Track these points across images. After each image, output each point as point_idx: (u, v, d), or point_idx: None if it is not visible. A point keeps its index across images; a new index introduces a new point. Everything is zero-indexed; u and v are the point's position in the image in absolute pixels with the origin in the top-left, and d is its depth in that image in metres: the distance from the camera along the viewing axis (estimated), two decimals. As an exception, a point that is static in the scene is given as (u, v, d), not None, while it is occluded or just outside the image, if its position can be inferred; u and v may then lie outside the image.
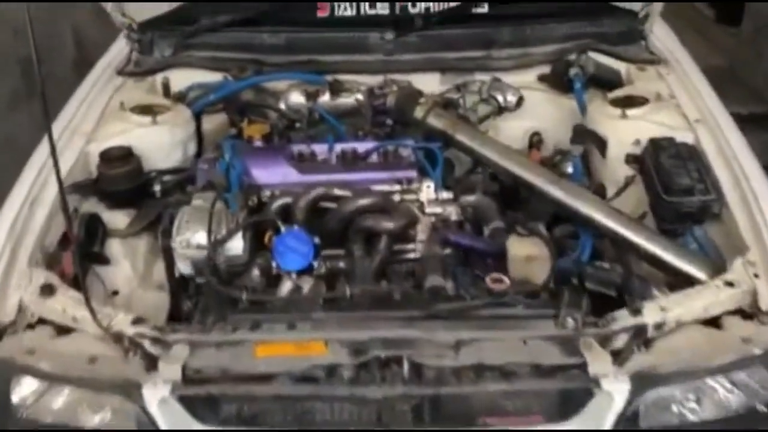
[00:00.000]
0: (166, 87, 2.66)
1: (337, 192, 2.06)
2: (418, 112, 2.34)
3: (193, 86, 2.63)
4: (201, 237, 1.92)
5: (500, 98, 2.46)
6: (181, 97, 2.59)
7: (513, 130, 2.62)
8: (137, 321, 1.74)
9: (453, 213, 2.19)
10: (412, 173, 2.21)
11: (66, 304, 1.79)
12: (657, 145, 2.17)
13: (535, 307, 1.73)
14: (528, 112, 2.59)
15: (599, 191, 2.39)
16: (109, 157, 2.18)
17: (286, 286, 1.91)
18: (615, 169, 2.33)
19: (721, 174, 2.10)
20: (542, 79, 2.66)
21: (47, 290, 1.82)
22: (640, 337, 1.66)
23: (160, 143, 2.32)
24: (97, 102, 2.46)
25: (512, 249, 1.94)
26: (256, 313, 1.76)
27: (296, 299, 1.84)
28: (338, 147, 2.36)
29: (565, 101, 2.64)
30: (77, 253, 1.85)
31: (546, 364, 1.61)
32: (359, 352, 1.65)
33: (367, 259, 2.02)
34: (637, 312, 1.68)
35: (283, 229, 1.93)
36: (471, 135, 2.29)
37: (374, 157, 2.31)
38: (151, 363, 1.66)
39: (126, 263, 2.21)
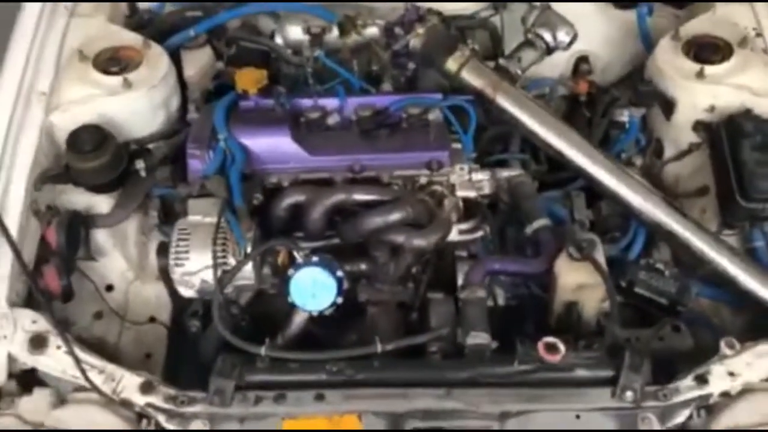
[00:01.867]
0: (133, 9, 2.14)
1: (359, 197, 1.75)
2: (451, 64, 1.90)
3: (165, 3, 2.13)
4: (205, 274, 1.64)
5: (548, 37, 2.00)
6: (151, 22, 2.10)
7: (554, 53, 2.19)
8: (147, 388, 1.55)
9: (486, 187, 1.92)
10: (444, 155, 1.87)
11: (63, 362, 1.59)
12: (737, 127, 1.81)
13: (591, 366, 1.56)
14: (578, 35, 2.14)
15: (657, 149, 2.09)
16: (79, 147, 1.78)
17: (299, 318, 1.70)
18: (679, 132, 2.00)
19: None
20: (596, -9, 2.16)
21: (38, 342, 1.60)
22: (703, 406, 1.53)
23: (137, 110, 1.90)
24: (48, 45, 1.98)
25: (561, 275, 1.69)
26: (277, 373, 1.58)
27: (322, 360, 1.59)
28: (351, 103, 1.98)
29: (621, 17, 2.18)
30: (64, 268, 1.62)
31: (599, 442, 1.50)
32: (396, 425, 1.51)
33: (391, 264, 1.80)
34: (703, 381, 1.52)
35: (299, 257, 1.66)
36: (515, 100, 1.88)
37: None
38: (167, 444, 1.53)
39: (117, 254, 1.94)
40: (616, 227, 1.99)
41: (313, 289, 1.62)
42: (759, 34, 1.97)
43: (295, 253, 1.65)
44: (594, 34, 2.18)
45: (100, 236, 1.92)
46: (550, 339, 1.52)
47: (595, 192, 1.99)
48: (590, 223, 2.01)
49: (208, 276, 1.63)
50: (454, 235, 1.88)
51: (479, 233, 1.93)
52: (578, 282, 1.68)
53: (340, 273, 1.65)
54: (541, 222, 1.81)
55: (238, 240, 1.64)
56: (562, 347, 1.52)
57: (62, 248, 1.76)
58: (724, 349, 1.59)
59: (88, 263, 1.91)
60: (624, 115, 2.08)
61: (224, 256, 1.65)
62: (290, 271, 1.64)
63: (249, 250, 1.66)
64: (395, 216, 1.69)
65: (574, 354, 1.52)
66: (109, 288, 1.95)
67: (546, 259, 1.74)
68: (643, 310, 1.84)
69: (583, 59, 2.20)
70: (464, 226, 1.93)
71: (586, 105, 2.18)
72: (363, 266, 1.81)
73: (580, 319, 1.75)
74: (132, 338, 1.91)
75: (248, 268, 1.66)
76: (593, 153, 1.88)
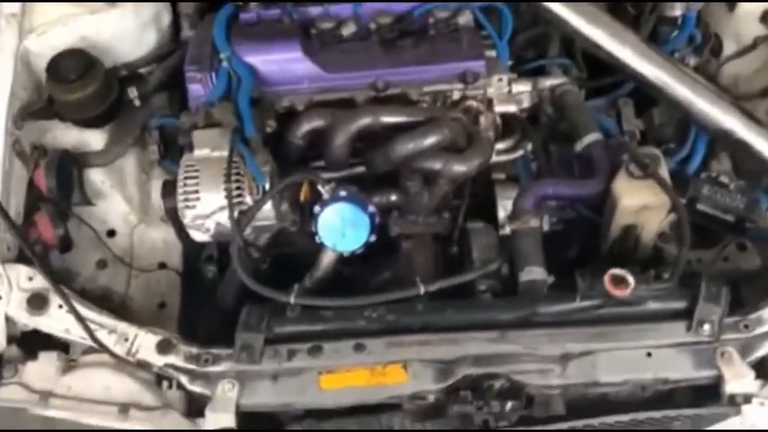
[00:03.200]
0: None
1: (388, 119, 1.53)
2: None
3: None
4: (220, 216, 1.43)
5: None
6: None
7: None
8: (165, 347, 1.39)
9: (526, 99, 1.70)
10: (479, 65, 1.62)
11: (67, 322, 1.41)
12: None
13: (663, 298, 1.39)
14: None
15: (715, 46, 1.85)
16: (62, 76, 1.54)
17: (327, 259, 1.52)
18: (742, 24, 1.76)
19: None
20: None
21: (37, 301, 1.42)
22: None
23: (124, 30, 1.65)
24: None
25: (622, 196, 1.49)
26: (310, 323, 1.42)
27: (359, 306, 1.43)
28: (368, 9, 1.72)
29: None
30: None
31: (673, 381, 1.35)
32: (446, 374, 1.36)
33: (424, 194, 1.60)
34: (792, 309, 1.36)
35: (325, 191, 1.45)
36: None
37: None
38: (193, 404, 1.37)
39: (116, 195, 1.73)
40: (671, 137, 1.79)
41: (343, 228, 1.42)
42: None
43: (320, 188, 1.45)
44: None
45: (96, 176, 1.71)
46: (617, 271, 1.34)
47: (643, 99, 1.78)
48: (641, 134, 1.81)
49: (224, 218, 1.43)
50: (492, 156, 1.70)
51: (520, 152, 1.73)
52: (641, 203, 1.48)
53: (372, 208, 1.45)
54: (593, 136, 1.59)
55: (255, 175, 1.43)
56: (631, 279, 1.34)
57: (54, 192, 1.56)
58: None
59: (84, 208, 1.72)
60: (676, 10, 1.83)
61: (240, 195, 1.44)
62: (316, 208, 1.44)
63: (267, 186, 1.46)
64: (431, 139, 1.48)
65: (644, 286, 1.36)
66: (111, 233, 1.75)
67: (602, 179, 1.53)
68: (703, 228, 1.68)
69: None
70: (503, 144, 1.73)
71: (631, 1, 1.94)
72: (393, 197, 1.61)
73: (638, 243, 1.58)
74: (142, 287, 1.73)
75: (268, 206, 1.47)
76: (650, 52, 1.63)
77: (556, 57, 1.84)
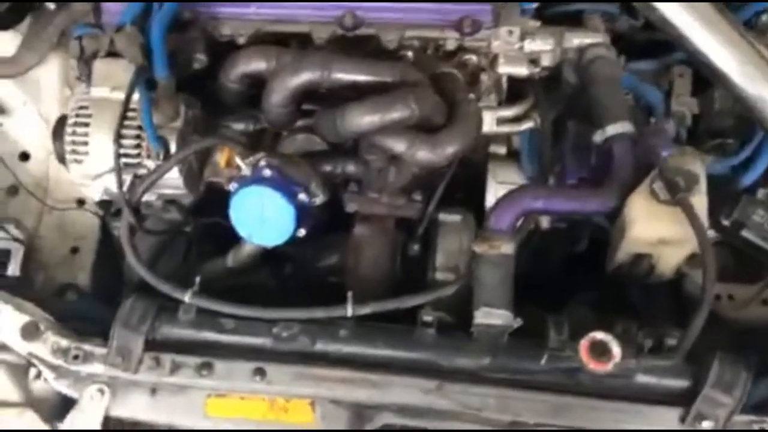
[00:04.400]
0: None
1: (342, 77, 1.14)
2: None
3: None
4: (108, 180, 1.13)
5: None
6: None
7: None
8: (30, 331, 1.13)
9: (546, 58, 1.27)
10: (484, 10, 1.20)
11: None
12: None
13: (657, 372, 1.05)
14: None
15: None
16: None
17: (244, 251, 1.21)
18: None
19: None
20: None
21: None
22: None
23: None
24: None
25: (635, 222, 1.11)
26: (203, 330, 1.13)
27: (268, 319, 1.12)
28: None
29: None
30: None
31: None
32: (362, 419, 1.08)
33: (390, 169, 1.25)
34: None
35: (244, 165, 1.12)
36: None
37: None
38: (58, 407, 1.14)
39: (30, 111, 1.44)
40: (730, 131, 1.37)
41: (263, 216, 1.11)
42: None
43: (239, 161, 1.12)
44: None
45: (4, 89, 1.42)
46: (599, 336, 1.00)
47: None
48: (693, 119, 1.40)
49: (113, 183, 1.14)
50: (490, 125, 1.32)
51: (528, 124, 1.35)
52: (659, 236, 1.11)
53: (303, 195, 1.12)
54: (620, 127, 1.18)
55: (149, 136, 1.10)
56: (616, 350, 1.00)
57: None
58: None
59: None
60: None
61: (137, 154, 1.14)
62: (232, 185, 1.12)
63: (173, 148, 1.14)
64: (393, 115, 1.10)
65: (633, 361, 1.02)
66: (25, 157, 1.48)
67: (615, 193, 1.14)
68: (744, 254, 1.30)
69: None
70: (506, 112, 1.35)
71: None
72: (351, 167, 1.28)
73: (650, 273, 1.22)
74: (55, 224, 1.47)
75: (174, 173, 1.16)
76: (714, 17, 1.19)
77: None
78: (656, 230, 1.10)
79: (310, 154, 1.29)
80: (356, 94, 1.17)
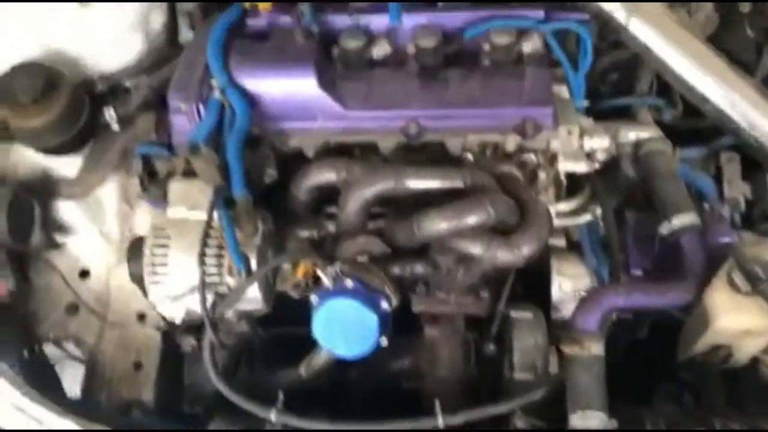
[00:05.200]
0: None
1: (416, 184, 1.18)
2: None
3: None
4: (190, 299, 1.14)
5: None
6: None
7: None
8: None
9: (601, 153, 1.31)
10: (545, 113, 1.24)
11: None
12: None
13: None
14: None
15: None
16: (16, 98, 1.23)
17: (319, 361, 1.21)
18: None
19: None
20: None
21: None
22: None
23: (102, 35, 1.31)
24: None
25: (720, 314, 1.11)
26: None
27: None
28: (408, 23, 1.35)
29: None
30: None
31: None
32: None
33: (459, 270, 1.26)
34: None
35: (326, 277, 1.13)
36: (659, 26, 1.22)
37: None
38: None
39: (91, 230, 1.44)
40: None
41: (345, 327, 1.11)
42: None
43: (320, 273, 1.13)
44: None
45: (67, 210, 1.42)
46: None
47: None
48: (746, 204, 1.43)
49: (195, 302, 1.14)
50: (550, 219, 1.35)
51: (586, 217, 1.37)
52: (745, 327, 1.12)
53: (385, 304, 1.13)
54: (687, 218, 1.21)
55: (233, 256, 1.11)
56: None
57: (4, 236, 1.28)
58: None
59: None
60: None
61: (218, 273, 1.15)
62: (314, 298, 1.13)
63: (254, 264, 1.16)
64: (470, 220, 1.13)
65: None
66: (84, 274, 1.47)
67: (694, 285, 1.15)
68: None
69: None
70: (565, 206, 1.37)
71: (749, 20, 1.51)
72: (419, 269, 1.29)
73: (726, 361, 1.22)
74: (116, 340, 1.45)
75: (253, 289, 1.17)
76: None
77: (646, 94, 1.46)
78: (741, 322, 1.10)
79: (377, 258, 1.31)
80: (423, 204, 1.20)
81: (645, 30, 1.24)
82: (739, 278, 1.12)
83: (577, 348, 1.06)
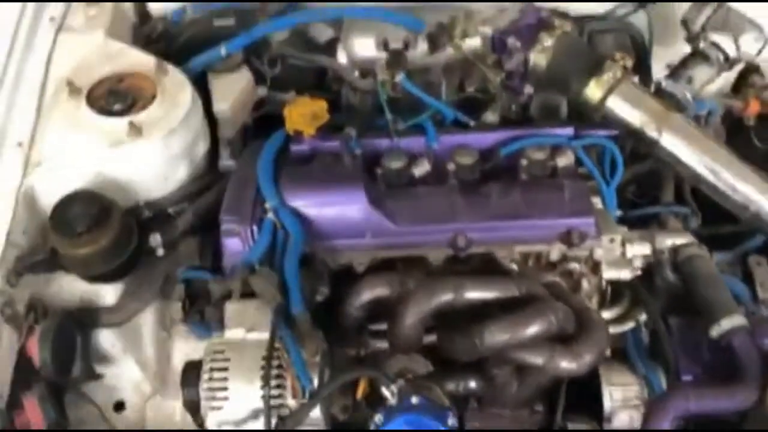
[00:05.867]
0: (140, 8, 1.61)
1: (475, 295, 1.20)
2: (593, 90, 1.31)
3: (186, 7, 1.58)
4: (254, 423, 1.11)
5: (729, 46, 1.40)
6: (168, 35, 1.57)
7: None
8: None
9: (638, 260, 1.35)
10: (588, 223, 1.29)
11: None
12: None
13: None
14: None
15: None
16: (69, 227, 1.25)
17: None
18: None
19: None
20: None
21: None
22: None
23: (150, 165, 1.36)
24: (26, 74, 1.42)
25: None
26: None
27: None
28: (445, 144, 1.42)
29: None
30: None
31: None
32: None
33: (513, 383, 1.25)
34: None
35: (389, 394, 1.11)
36: (689, 139, 1.31)
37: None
38: None
39: (128, 360, 1.41)
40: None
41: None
42: None
43: (384, 390, 1.11)
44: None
45: (106, 338, 1.38)
46: None
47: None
48: (780, 305, 1.46)
49: (258, 426, 1.11)
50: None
51: (630, 324, 1.38)
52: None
53: (452, 420, 1.10)
54: (736, 320, 1.23)
55: (300, 376, 1.09)
56: None
57: (48, 368, 1.24)
58: None
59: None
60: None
61: (280, 395, 1.12)
62: (378, 418, 1.10)
63: (316, 382, 1.13)
64: (533, 329, 1.14)
65: None
66: (119, 407, 1.41)
67: (756, 384, 1.15)
68: None
69: (752, 69, 1.61)
70: (609, 314, 1.39)
71: (756, 132, 1.62)
72: (473, 384, 1.28)
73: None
74: (151, 473, 1.41)
75: (315, 410, 1.14)
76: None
77: (672, 203, 1.53)
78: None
79: (430, 375, 1.29)
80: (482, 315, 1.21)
81: (676, 142, 1.32)
82: (803, 382, 1.14)
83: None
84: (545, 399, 1.31)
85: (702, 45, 1.40)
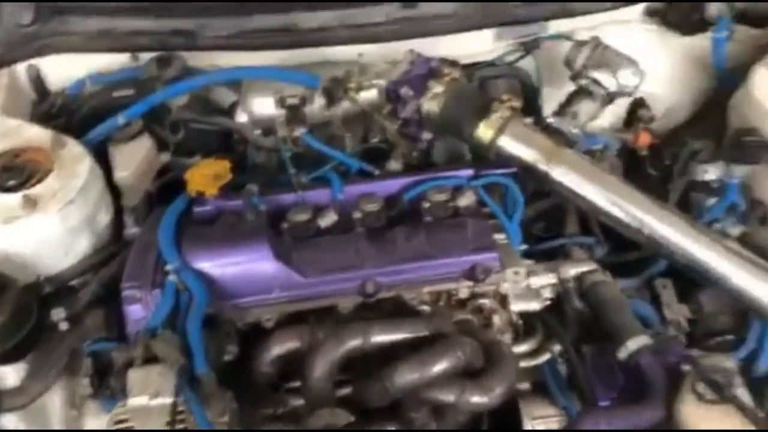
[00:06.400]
0: (38, 85, 1.61)
1: (383, 338, 1.20)
2: (484, 131, 1.37)
3: (85, 81, 1.59)
4: (159, 494, 1.07)
5: (609, 81, 1.49)
6: (66, 106, 1.57)
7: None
8: None
9: (546, 292, 1.39)
10: (492, 257, 1.32)
11: None
12: None
13: None
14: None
15: (762, 215, 1.57)
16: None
17: None
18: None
19: None
20: (653, 14, 1.69)
21: None
22: None
23: (48, 239, 1.32)
24: None
25: (695, 425, 1.14)
26: None
27: None
28: (350, 193, 1.45)
29: (686, 44, 1.70)
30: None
31: None
32: None
33: (431, 424, 1.24)
34: None
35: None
36: (579, 171, 1.36)
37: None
38: None
39: (37, 441, 1.36)
40: (728, 328, 1.47)
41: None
42: None
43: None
44: (654, 69, 1.65)
45: (9, 422, 1.32)
46: None
47: (685, 278, 1.48)
48: (688, 323, 1.50)
49: (163, 496, 1.06)
50: (511, 363, 1.36)
51: (545, 356, 1.40)
52: (719, 439, 1.14)
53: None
54: (640, 341, 1.26)
55: (206, 436, 1.07)
56: None
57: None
58: None
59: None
60: (708, 173, 1.57)
61: (187, 458, 1.08)
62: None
63: (224, 444, 1.10)
64: (441, 366, 1.14)
65: None
66: (25, 493, 1.35)
67: (662, 401, 1.18)
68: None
69: (640, 103, 1.70)
70: (523, 347, 1.40)
71: (650, 161, 1.70)
72: (393, 429, 1.26)
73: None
74: None
75: (223, 474, 1.10)
76: (692, 229, 1.35)
77: (576, 234, 1.58)
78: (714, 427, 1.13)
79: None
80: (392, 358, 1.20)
81: (567, 175, 1.37)
82: (703, 388, 1.16)
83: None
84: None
85: (584, 82, 1.49)
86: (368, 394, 1.18)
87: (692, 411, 1.14)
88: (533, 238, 1.59)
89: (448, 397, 1.15)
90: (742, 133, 1.46)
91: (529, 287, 1.35)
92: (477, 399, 1.15)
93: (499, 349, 1.22)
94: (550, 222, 1.65)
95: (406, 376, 1.14)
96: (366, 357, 1.22)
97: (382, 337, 1.18)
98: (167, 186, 1.58)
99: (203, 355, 1.15)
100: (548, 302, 1.39)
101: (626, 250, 1.55)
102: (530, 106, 1.62)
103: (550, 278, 1.36)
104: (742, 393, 1.16)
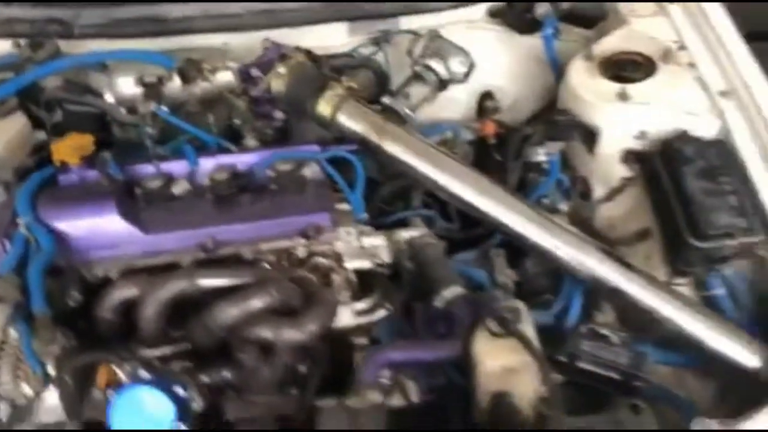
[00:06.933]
0: None
1: (206, 282, 1.33)
2: (323, 107, 1.53)
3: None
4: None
5: (440, 68, 1.66)
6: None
7: (454, 91, 1.85)
8: None
9: (383, 253, 1.52)
10: (323, 217, 1.47)
11: None
12: (675, 153, 1.49)
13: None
14: (476, 65, 1.81)
15: (584, 191, 1.75)
16: None
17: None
18: (606, 166, 1.65)
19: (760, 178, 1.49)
20: (495, 15, 1.87)
21: None
22: None
23: None
24: None
25: (482, 358, 1.29)
26: None
27: None
28: (205, 165, 1.58)
29: (526, 43, 1.89)
30: None
31: None
32: None
33: (263, 368, 1.36)
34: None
35: (123, 374, 1.20)
36: (407, 145, 1.51)
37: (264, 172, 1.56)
38: None
39: None
40: (547, 288, 1.62)
41: (143, 418, 1.16)
42: (682, 47, 1.69)
43: (118, 370, 1.20)
44: (498, 65, 1.87)
45: None
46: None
47: (518, 249, 1.64)
48: (516, 285, 1.65)
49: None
50: (349, 319, 1.48)
51: (381, 313, 1.52)
52: (503, 365, 1.27)
53: (181, 390, 1.19)
54: (454, 290, 1.40)
55: (29, 360, 1.17)
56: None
57: None
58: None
59: None
60: (540, 155, 1.74)
61: (14, 384, 1.18)
62: (109, 393, 1.18)
63: (52, 371, 1.20)
64: (256, 303, 1.27)
65: None
66: None
67: (461, 337, 1.32)
68: (592, 388, 1.47)
69: (487, 96, 1.88)
70: (361, 305, 1.52)
71: (496, 148, 1.87)
72: (226, 373, 1.37)
73: (514, 414, 1.35)
74: None
75: (53, 400, 1.20)
76: (509, 201, 1.50)
77: (419, 208, 1.73)
78: (499, 360, 1.26)
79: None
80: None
81: (395, 148, 1.52)
82: (493, 325, 1.31)
83: (357, 399, 1.17)
84: (300, 383, 1.42)
85: (418, 68, 1.66)
86: (194, 332, 1.30)
87: (482, 345, 1.28)
88: (384, 214, 1.75)
89: (264, 333, 1.27)
90: (557, 114, 1.64)
91: (362, 247, 1.50)
92: (291, 334, 1.27)
93: (319, 293, 1.35)
94: (406, 200, 1.81)
95: (224, 312, 1.26)
96: (198, 304, 1.34)
97: (208, 281, 1.30)
98: (43, 162, 1.71)
99: (41, 295, 1.26)
100: (383, 262, 1.53)
101: (473, 226, 1.72)
102: (383, 91, 1.79)
103: (381, 239, 1.50)
104: (530, 330, 1.31)
